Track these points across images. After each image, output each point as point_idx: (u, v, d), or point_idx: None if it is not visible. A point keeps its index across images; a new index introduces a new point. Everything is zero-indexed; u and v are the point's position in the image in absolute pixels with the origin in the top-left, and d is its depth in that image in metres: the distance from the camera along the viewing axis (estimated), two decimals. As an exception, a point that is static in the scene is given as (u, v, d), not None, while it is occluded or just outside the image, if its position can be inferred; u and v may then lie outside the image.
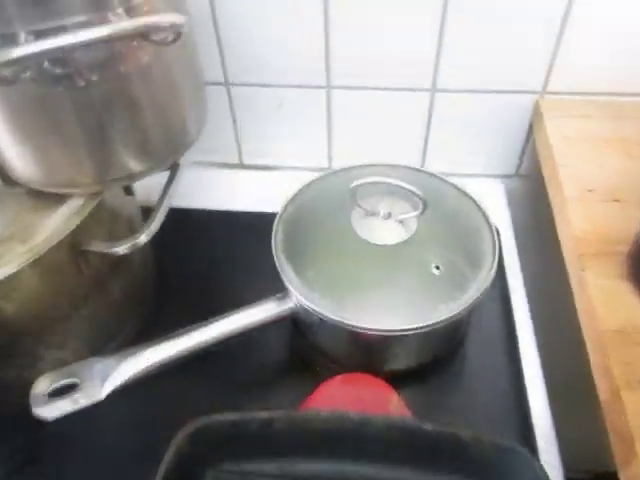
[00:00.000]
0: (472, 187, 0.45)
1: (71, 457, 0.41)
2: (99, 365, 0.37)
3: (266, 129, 0.59)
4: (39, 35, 0.29)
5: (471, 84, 0.52)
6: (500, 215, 0.55)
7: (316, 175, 0.47)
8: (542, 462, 0.34)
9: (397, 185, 0.40)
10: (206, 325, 0.40)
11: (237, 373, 0.44)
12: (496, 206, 0.56)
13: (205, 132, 0.58)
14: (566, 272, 0.41)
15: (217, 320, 0.40)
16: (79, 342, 0.41)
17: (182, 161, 0.44)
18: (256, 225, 0.51)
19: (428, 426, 0.36)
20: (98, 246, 0.37)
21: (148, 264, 0.49)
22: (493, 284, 0.39)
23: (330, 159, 0.61)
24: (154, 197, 0.46)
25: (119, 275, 0.44)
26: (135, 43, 0.33)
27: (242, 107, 0.57)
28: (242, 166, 0.63)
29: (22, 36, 0.29)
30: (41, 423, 0.37)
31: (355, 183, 0.40)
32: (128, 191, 0.45)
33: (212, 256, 0.53)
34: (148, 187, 0.44)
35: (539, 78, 0.51)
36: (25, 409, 0.40)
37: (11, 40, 0.29)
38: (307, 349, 0.45)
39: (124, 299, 0.45)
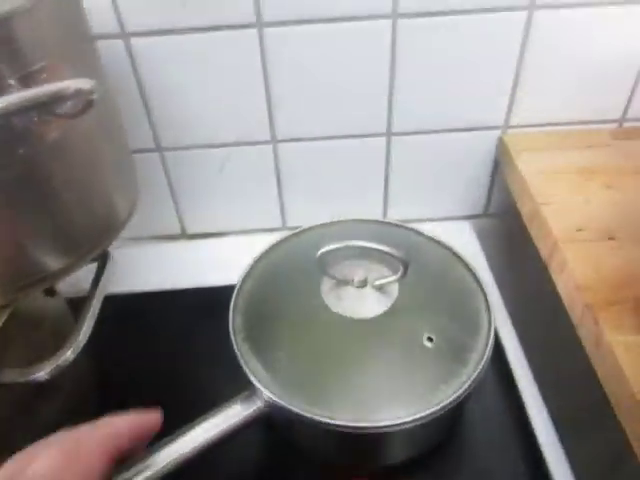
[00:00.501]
0: (440, 232, 0.40)
1: None
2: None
3: (209, 193, 0.53)
4: None
5: (428, 124, 0.48)
6: (476, 261, 0.50)
7: (273, 239, 0.41)
8: None
9: (371, 248, 0.34)
10: (158, 450, 0.32)
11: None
12: (470, 252, 0.52)
13: (140, 204, 0.52)
14: (566, 325, 0.36)
15: (171, 441, 0.32)
16: None
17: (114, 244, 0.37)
18: (210, 302, 0.45)
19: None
20: (11, 376, 0.29)
21: (84, 376, 0.41)
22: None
23: (284, 218, 0.55)
24: (86, 284, 0.38)
25: (48, 399, 0.35)
26: (36, 118, 0.26)
27: (180, 173, 0.51)
28: (186, 236, 0.56)
29: None
30: None
31: (322, 250, 0.34)
32: (49, 291, 0.37)
33: (161, 348, 0.45)
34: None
35: (500, 112, 0.48)
36: None
37: None
38: (287, 451, 0.38)
39: (58, 424, 0.36)
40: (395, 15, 0.41)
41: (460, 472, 0.37)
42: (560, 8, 0.42)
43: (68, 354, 0.30)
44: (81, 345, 0.30)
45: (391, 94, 0.46)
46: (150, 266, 0.52)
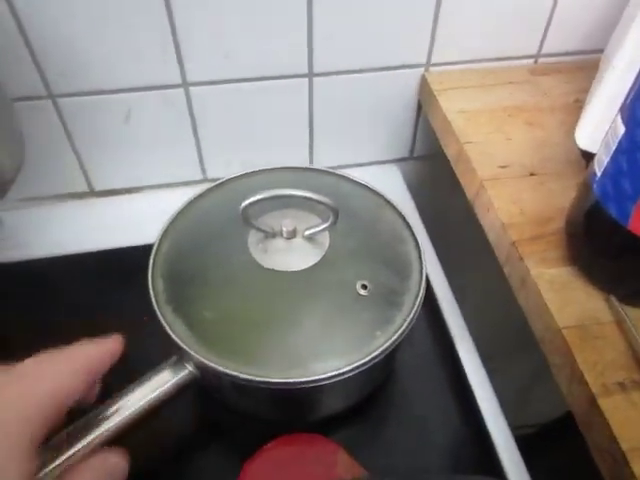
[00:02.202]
0: (367, 176, 0.39)
1: None
2: None
3: (116, 146, 0.47)
4: None
5: (351, 64, 0.46)
6: (403, 203, 0.50)
7: (193, 192, 0.38)
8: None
9: (300, 196, 0.32)
10: (84, 426, 0.29)
11: (138, 464, 0.34)
12: (397, 194, 0.51)
13: (37, 159, 0.46)
14: (493, 264, 0.37)
15: (96, 417, 0.29)
16: None
17: (4, 201, 0.32)
18: (125, 265, 0.41)
19: (389, 482, 0.29)
20: None
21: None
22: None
23: (203, 169, 0.51)
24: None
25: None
26: None
27: (79, 123, 0.45)
28: (94, 193, 0.51)
29: None
30: None
31: (247, 201, 0.32)
32: None
33: (72, 319, 0.41)
34: None
35: (422, 50, 0.46)
36: None
37: None
38: (221, 413, 0.36)
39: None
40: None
41: (397, 418, 0.37)
42: None
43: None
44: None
45: (310, 31, 0.43)
46: (55, 229, 0.47)
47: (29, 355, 0.37)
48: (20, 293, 0.42)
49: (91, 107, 0.44)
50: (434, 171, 0.55)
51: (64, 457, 0.26)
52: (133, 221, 0.47)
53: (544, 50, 0.48)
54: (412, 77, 0.48)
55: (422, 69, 0.47)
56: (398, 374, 0.39)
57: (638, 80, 0.26)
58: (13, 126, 0.31)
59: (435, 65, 0.47)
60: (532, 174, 0.38)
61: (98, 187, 0.50)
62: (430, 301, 0.42)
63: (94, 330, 0.41)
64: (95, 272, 0.44)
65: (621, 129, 0.27)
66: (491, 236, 0.37)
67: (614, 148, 0.28)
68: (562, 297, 0.31)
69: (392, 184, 0.52)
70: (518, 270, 0.34)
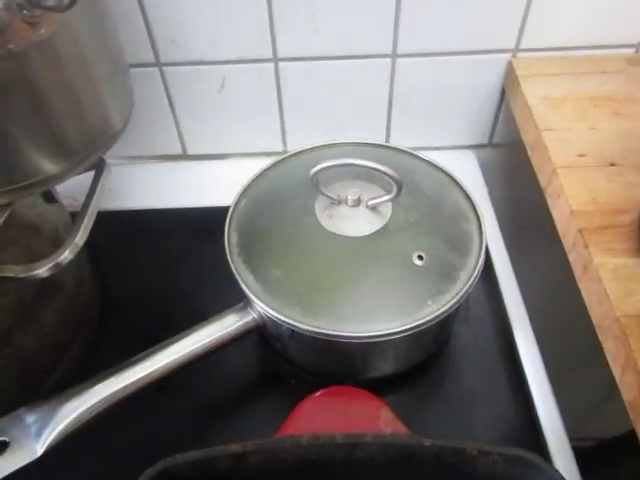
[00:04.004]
0: (443, 161, 0.40)
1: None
2: (31, 417, 0.30)
3: (209, 113, 0.52)
4: None
5: (434, 47, 0.47)
6: (476, 190, 0.50)
7: (270, 161, 0.41)
8: (556, 466, 0.30)
9: (365, 166, 0.34)
10: (154, 354, 0.33)
11: (202, 400, 0.38)
12: (471, 180, 0.51)
13: (140, 122, 0.51)
14: (561, 250, 0.37)
15: (167, 346, 0.33)
16: (5, 389, 0.34)
17: (111, 157, 0.37)
18: (207, 222, 0.45)
19: (427, 442, 0.30)
20: (11, 271, 0.30)
21: (85, 281, 0.42)
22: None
23: (285, 142, 0.54)
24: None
25: (49, 300, 0.36)
26: (25, 12, 0.26)
27: (180, 90, 0.50)
28: (186, 157, 0.56)
29: None
30: None
31: (316, 168, 0.34)
32: (49, 198, 0.38)
33: (160, 263, 0.46)
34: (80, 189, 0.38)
35: (511, 35, 0.46)
36: None
37: None
38: (278, 362, 0.40)
39: (59, 327, 0.38)
40: None
41: (446, 389, 0.38)
42: None
43: (66, 254, 0.30)
44: (79, 245, 0.31)
45: (398, 11, 0.44)
46: (151, 185, 0.52)
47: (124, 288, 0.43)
48: (118, 237, 0.48)
49: (191, 76, 0.48)
50: (511, 160, 0.54)
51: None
52: (218, 184, 0.51)
53: (646, 39, 0.46)
54: (498, 62, 0.48)
55: (510, 54, 0.47)
56: (452, 350, 0.40)
57: None
58: (126, 85, 0.35)
59: (524, 51, 0.47)
60: (612, 164, 0.37)
61: (190, 151, 0.55)
62: (491, 282, 0.43)
63: (175, 272, 0.46)
64: (182, 225, 0.49)
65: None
66: (559, 224, 0.37)
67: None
68: (625, 286, 0.31)
69: (467, 169, 0.53)
70: (582, 257, 0.33)
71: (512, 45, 0.46)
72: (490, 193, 0.51)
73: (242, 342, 0.38)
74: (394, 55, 0.47)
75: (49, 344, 0.37)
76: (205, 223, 0.48)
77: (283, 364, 0.39)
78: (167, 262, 0.46)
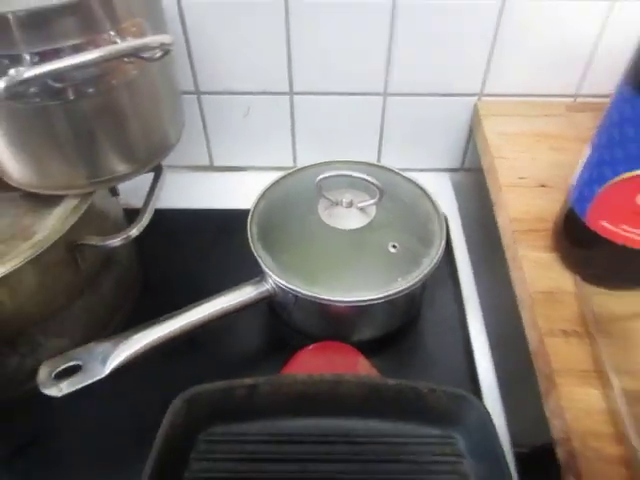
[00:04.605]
0: (423, 179, 0.52)
1: (70, 435, 0.45)
2: (98, 348, 0.42)
3: (235, 133, 0.64)
4: (41, 56, 0.33)
5: (418, 89, 0.59)
6: (448, 204, 0.62)
7: (283, 173, 0.53)
8: (486, 404, 0.41)
9: (357, 177, 0.45)
10: (190, 309, 0.44)
11: (220, 352, 0.49)
12: (445, 196, 0.63)
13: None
14: (500, 247, 0.48)
15: (200, 304, 0.45)
16: (76, 330, 0.45)
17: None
18: (229, 221, 0.56)
19: (391, 382, 0.42)
20: (94, 240, 0.41)
21: (133, 260, 0.53)
22: (443, 261, 0.46)
23: (295, 159, 0.66)
24: (133, 200, 0.50)
25: (109, 270, 0.48)
26: (126, 59, 0.38)
27: (212, 114, 0.62)
28: (213, 168, 0.68)
29: (27, 57, 0.33)
30: (40, 407, 0.42)
31: (320, 177, 0.46)
32: (114, 193, 0.50)
33: (190, 251, 0.58)
34: (128, 191, 0.50)
35: (477, 83, 0.58)
36: (26, 394, 0.44)
37: (16, 60, 0.33)
38: (282, 327, 0.51)
39: (114, 291, 0.49)
40: (394, -3, 0.52)
41: (411, 351, 0.50)
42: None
43: (134, 231, 0.42)
44: (144, 225, 0.42)
45: (388, 63, 0.56)
46: (183, 190, 0.64)
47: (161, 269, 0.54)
48: (156, 230, 0.59)
49: (222, 103, 0.61)
50: (478, 181, 0.66)
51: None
52: (239, 191, 0.62)
53: (582, 91, 0.58)
54: (467, 103, 0.60)
55: (476, 98, 0.59)
56: (420, 323, 0.51)
57: (606, 114, 0.37)
58: (180, 110, 0.47)
59: (486, 95, 0.59)
60: (543, 185, 0.49)
61: (216, 163, 0.67)
62: (452, 272, 0.54)
63: (207, 259, 0.57)
64: (209, 223, 0.60)
65: (587, 151, 0.38)
66: (501, 228, 0.49)
67: (581, 166, 0.39)
68: (540, 273, 0.42)
69: (442, 187, 0.64)
70: (512, 251, 0.45)
71: (477, 90, 0.59)
72: (459, 208, 0.62)
73: (255, 314, 0.50)
74: (385, 94, 0.59)
75: (108, 303, 0.49)
76: (227, 222, 0.59)
77: (285, 329, 0.50)
78: (197, 250, 0.57)
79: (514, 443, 0.43)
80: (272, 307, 0.51)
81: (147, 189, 0.47)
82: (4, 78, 0.31)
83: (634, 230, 0.36)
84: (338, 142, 0.64)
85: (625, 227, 0.36)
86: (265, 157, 0.66)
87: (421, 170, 0.67)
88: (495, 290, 0.55)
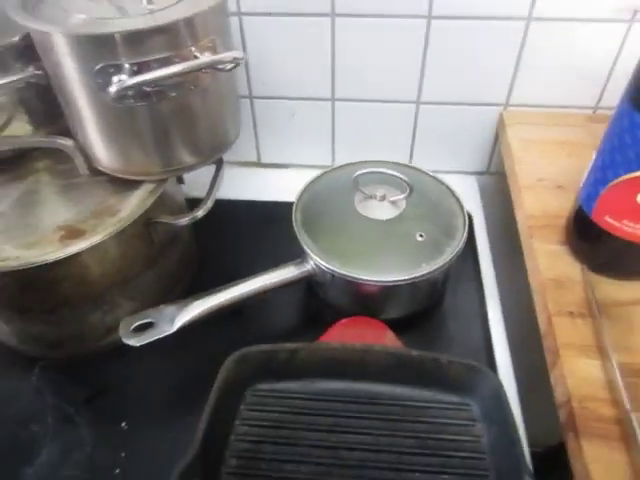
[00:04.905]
0: (450, 181, 0.58)
1: (136, 386, 0.52)
2: (167, 310, 0.49)
3: (281, 134, 0.71)
4: (138, 66, 0.41)
5: (449, 98, 0.65)
6: (473, 204, 0.68)
7: (324, 169, 0.60)
8: (500, 377, 0.46)
9: (389, 174, 0.52)
10: (240, 282, 0.51)
11: (265, 322, 0.56)
12: (470, 196, 0.69)
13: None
14: (518, 241, 0.54)
15: (249, 279, 0.52)
16: (147, 295, 0.53)
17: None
18: (274, 212, 0.63)
19: (415, 352, 0.48)
20: (167, 219, 0.49)
21: (193, 241, 0.61)
22: (467, 254, 0.52)
23: (333, 158, 0.73)
24: (193, 192, 0.58)
25: (175, 246, 0.56)
26: (203, 70, 0.45)
27: (262, 116, 0.70)
28: (260, 165, 0.75)
29: (127, 66, 0.41)
30: (113, 359, 0.51)
31: (357, 173, 0.53)
32: (180, 181, 0.57)
33: (240, 236, 0.65)
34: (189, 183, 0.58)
35: (503, 95, 0.64)
36: (101, 348, 0.52)
37: (119, 69, 0.41)
38: (319, 304, 0.57)
39: (178, 265, 0.57)
40: (429, 17, 0.58)
41: (434, 329, 0.56)
42: (550, 20, 0.57)
43: (200, 212, 0.49)
44: (208, 207, 0.50)
45: (422, 75, 0.63)
46: (236, 183, 0.72)
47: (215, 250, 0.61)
48: (211, 217, 0.67)
49: (271, 107, 0.68)
50: (502, 184, 0.71)
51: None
52: (283, 185, 0.70)
53: (602, 104, 0.63)
54: (494, 112, 0.66)
55: (502, 107, 0.65)
56: (443, 308, 0.57)
57: (609, 126, 0.43)
58: (239, 111, 0.55)
59: (511, 106, 0.65)
60: (559, 187, 0.55)
61: (263, 160, 0.75)
62: (475, 265, 0.60)
63: (254, 243, 0.64)
64: (256, 213, 0.68)
65: (594, 157, 0.44)
66: (519, 223, 0.54)
67: (589, 169, 0.44)
68: (551, 263, 0.48)
69: (468, 188, 0.70)
70: (528, 244, 0.50)
71: (503, 101, 0.64)
72: (484, 207, 0.68)
73: (295, 290, 0.57)
74: (418, 102, 0.66)
75: (173, 273, 0.56)
76: (273, 212, 0.66)
77: (322, 305, 0.57)
78: (246, 236, 0.65)
79: (530, 443, 0.47)
80: (311, 286, 0.58)
81: (203, 183, 0.55)
82: (115, 84, 0.38)
83: (634, 225, 0.41)
84: (373, 144, 0.71)
85: (626, 222, 0.42)
86: (307, 156, 0.73)
87: (449, 172, 0.72)
88: (512, 279, 0.60)
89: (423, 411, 0.47)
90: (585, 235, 0.47)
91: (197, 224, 0.53)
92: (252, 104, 0.68)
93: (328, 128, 0.70)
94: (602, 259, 0.46)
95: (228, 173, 0.73)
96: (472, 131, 0.68)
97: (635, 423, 0.37)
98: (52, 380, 0.53)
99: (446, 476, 0.44)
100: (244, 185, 0.72)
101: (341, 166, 0.61)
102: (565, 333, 0.43)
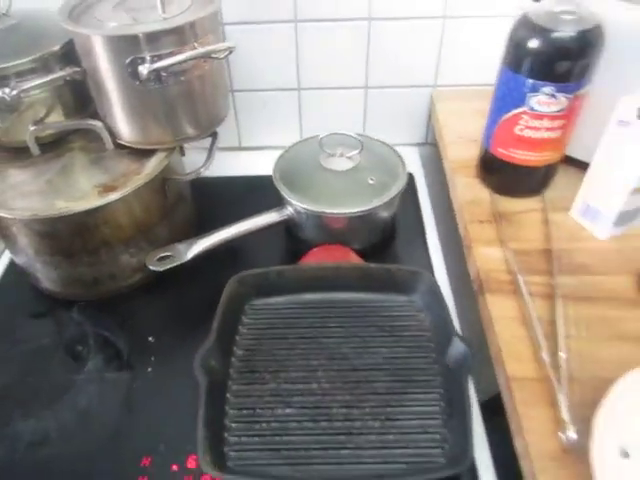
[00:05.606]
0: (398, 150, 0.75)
1: (158, 312, 0.67)
2: (181, 245, 0.64)
3: (257, 121, 0.87)
4: (157, 57, 0.57)
5: (390, 82, 0.83)
6: (416, 167, 0.85)
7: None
8: (436, 278, 0.63)
9: (346, 135, 0.69)
10: (235, 223, 0.67)
11: (255, 259, 0.71)
12: (413, 161, 0.86)
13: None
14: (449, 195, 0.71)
15: (241, 220, 0.67)
16: (163, 241, 0.67)
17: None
18: (256, 184, 0.79)
19: (373, 265, 0.64)
20: (178, 176, 0.64)
21: (193, 205, 0.77)
22: (410, 201, 0.68)
23: (302, 137, 0.89)
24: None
25: (181, 204, 0.71)
26: (203, 60, 0.61)
27: (242, 106, 0.86)
28: (241, 148, 0.91)
29: (148, 57, 0.56)
30: (138, 295, 0.65)
31: (322, 135, 0.69)
32: (182, 153, 0.73)
33: (229, 203, 0.80)
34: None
35: (432, 78, 0.82)
36: (127, 287, 0.67)
37: (143, 60, 0.56)
38: (296, 242, 0.72)
39: (183, 219, 0.72)
40: (370, 19, 0.75)
41: (387, 253, 0.72)
42: (461, 18, 0.75)
43: (203, 169, 0.65)
44: (208, 167, 0.65)
45: (367, 65, 0.80)
46: (220, 164, 0.86)
47: (210, 211, 0.77)
48: (204, 188, 0.82)
49: (247, 98, 0.84)
50: (437, 152, 0.89)
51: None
52: (260, 163, 0.85)
53: (507, 81, 0.82)
54: (427, 92, 0.84)
55: (432, 89, 0.83)
56: (393, 242, 0.73)
57: (497, 80, 0.60)
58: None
59: (439, 86, 0.83)
60: (474, 140, 0.72)
61: (243, 144, 0.91)
62: (416, 210, 0.77)
63: (240, 206, 0.79)
64: (240, 184, 0.83)
65: (492, 97, 0.61)
66: (445, 168, 0.71)
67: (487, 116, 0.62)
68: (468, 190, 0.65)
69: (410, 154, 0.87)
70: (452, 179, 0.68)
71: (432, 83, 0.82)
72: (423, 166, 0.85)
73: (276, 234, 0.72)
74: (366, 87, 0.83)
75: (180, 226, 0.71)
76: (253, 183, 0.82)
77: (299, 242, 0.72)
78: (232, 200, 0.80)
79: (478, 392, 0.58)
80: (288, 228, 0.73)
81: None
82: (145, 67, 0.54)
83: (515, 151, 0.59)
84: (333, 124, 0.86)
85: (512, 149, 0.59)
86: (279, 137, 0.89)
87: (395, 145, 0.89)
88: (445, 220, 0.78)
89: (381, 309, 0.63)
90: (488, 166, 0.64)
91: (195, 195, 0.67)
92: (233, 97, 0.84)
93: (295, 113, 0.86)
94: (500, 182, 0.63)
95: (216, 157, 0.89)
96: (410, 108, 0.86)
97: (521, 281, 0.54)
98: (89, 315, 0.67)
99: (401, 348, 0.60)
100: (229, 165, 0.87)
101: (307, 138, 0.77)
102: (477, 233, 0.60)
